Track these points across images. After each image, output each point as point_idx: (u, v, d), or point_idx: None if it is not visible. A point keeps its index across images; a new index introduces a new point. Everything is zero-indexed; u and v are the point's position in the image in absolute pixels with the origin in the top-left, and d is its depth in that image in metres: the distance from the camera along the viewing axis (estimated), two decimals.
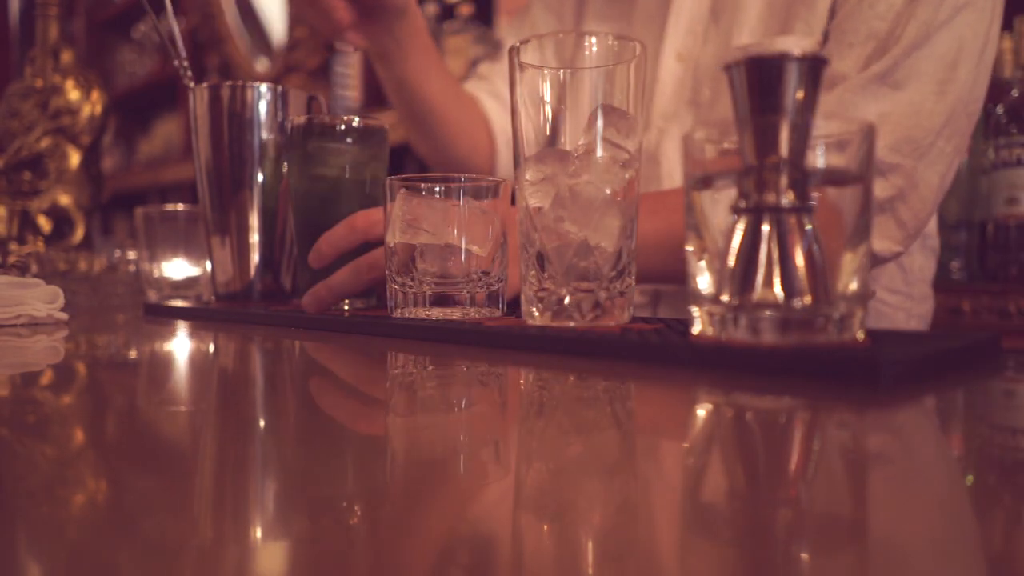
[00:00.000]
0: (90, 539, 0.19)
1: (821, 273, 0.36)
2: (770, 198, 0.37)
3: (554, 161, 0.49)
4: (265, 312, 0.71)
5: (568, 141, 0.49)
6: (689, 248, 0.40)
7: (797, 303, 0.36)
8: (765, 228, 0.37)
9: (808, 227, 0.36)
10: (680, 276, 0.70)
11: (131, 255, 1.08)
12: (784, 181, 0.36)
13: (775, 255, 0.36)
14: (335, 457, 0.27)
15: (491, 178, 0.58)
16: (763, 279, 0.36)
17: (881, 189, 0.67)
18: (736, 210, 0.38)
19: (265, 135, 0.80)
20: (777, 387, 0.35)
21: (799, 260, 0.36)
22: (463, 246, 0.56)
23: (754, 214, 0.37)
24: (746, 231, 0.37)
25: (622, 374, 0.40)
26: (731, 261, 0.37)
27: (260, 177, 0.80)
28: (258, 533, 0.20)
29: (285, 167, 0.78)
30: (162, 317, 0.83)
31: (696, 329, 0.40)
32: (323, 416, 0.34)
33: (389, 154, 0.73)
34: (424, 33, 0.89)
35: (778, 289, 0.36)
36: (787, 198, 0.36)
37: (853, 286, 0.37)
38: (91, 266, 1.04)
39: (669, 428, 0.31)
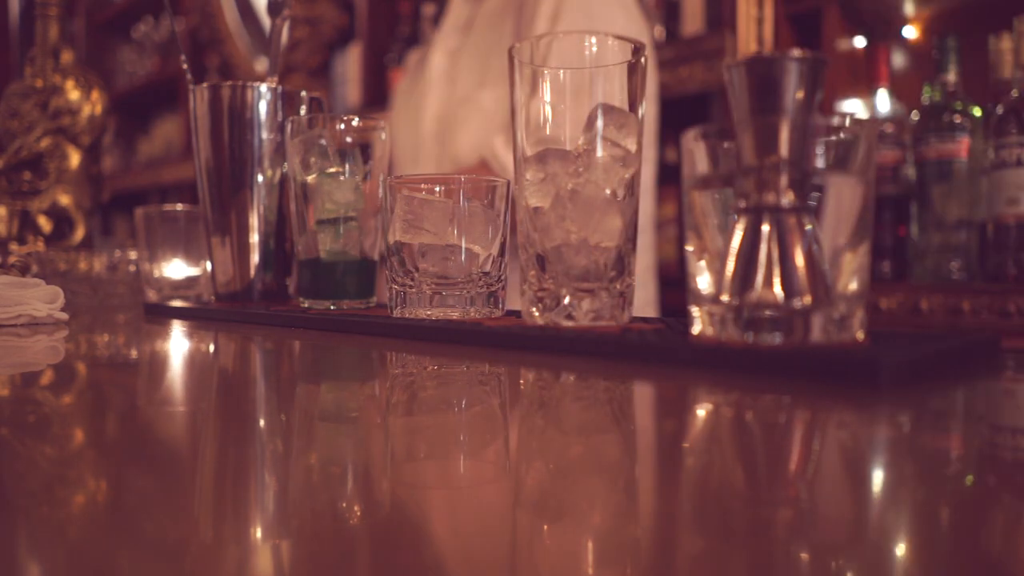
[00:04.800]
0: (90, 539, 0.19)
1: (821, 273, 0.36)
2: (770, 198, 0.37)
3: (554, 161, 0.49)
4: (265, 312, 0.71)
5: (568, 141, 0.49)
6: (689, 248, 0.40)
7: (797, 303, 0.36)
8: (765, 228, 0.37)
9: (808, 227, 0.36)
10: None
11: (131, 255, 1.08)
12: (784, 181, 0.36)
13: (775, 255, 0.36)
14: (335, 457, 0.27)
15: (491, 177, 0.58)
16: (763, 279, 0.37)
17: None
18: (736, 210, 0.38)
19: (265, 135, 0.80)
20: (777, 387, 0.35)
21: (799, 260, 0.36)
22: (464, 246, 0.56)
23: (754, 214, 0.37)
24: (746, 231, 0.37)
25: (622, 374, 0.40)
26: (731, 261, 0.37)
27: (260, 177, 0.80)
28: (258, 533, 0.20)
29: (286, 166, 0.78)
30: (162, 317, 0.83)
31: (696, 329, 0.40)
32: (323, 416, 0.34)
33: (389, 153, 0.73)
34: None
35: (778, 289, 0.36)
36: (787, 198, 0.36)
37: (853, 286, 0.37)
38: (91, 266, 1.04)
39: (669, 428, 0.31)
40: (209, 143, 0.80)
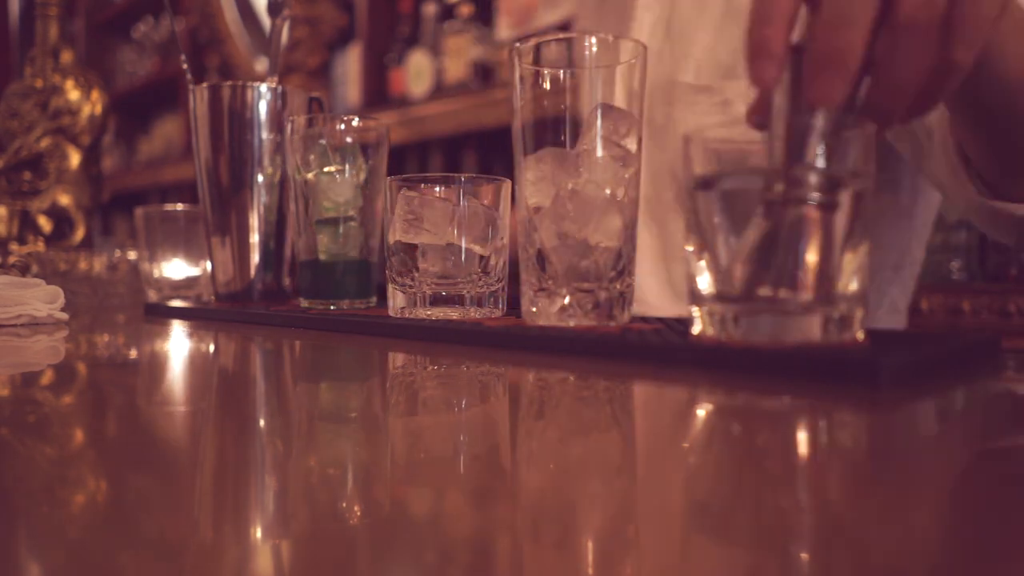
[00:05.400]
0: (90, 539, 0.19)
1: (822, 273, 0.36)
2: (770, 198, 0.36)
3: (554, 161, 0.49)
4: (265, 312, 0.71)
5: (568, 141, 0.49)
6: (689, 248, 0.40)
7: (798, 302, 0.36)
8: (765, 228, 0.37)
9: (808, 227, 0.36)
10: None
11: (131, 255, 1.08)
12: (784, 181, 0.36)
13: (775, 255, 0.36)
14: (335, 457, 0.27)
15: (492, 178, 0.58)
16: (764, 279, 0.36)
17: None
18: (736, 210, 0.38)
19: (265, 135, 0.80)
20: (777, 387, 0.35)
21: (799, 260, 0.36)
22: (464, 246, 0.56)
23: (755, 214, 0.37)
24: (746, 231, 0.37)
25: (622, 374, 0.40)
26: (732, 261, 0.37)
27: (260, 177, 0.80)
28: (258, 533, 0.20)
29: (285, 166, 0.78)
30: (162, 317, 0.83)
31: (696, 329, 0.40)
32: (323, 416, 0.34)
33: (389, 152, 0.73)
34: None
35: (779, 289, 0.36)
36: (787, 198, 0.36)
37: (853, 286, 0.37)
38: (91, 266, 1.04)
39: (669, 428, 0.31)
40: (209, 143, 0.80)
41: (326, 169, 0.68)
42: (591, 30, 0.92)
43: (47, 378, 0.45)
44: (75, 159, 1.07)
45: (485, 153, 1.98)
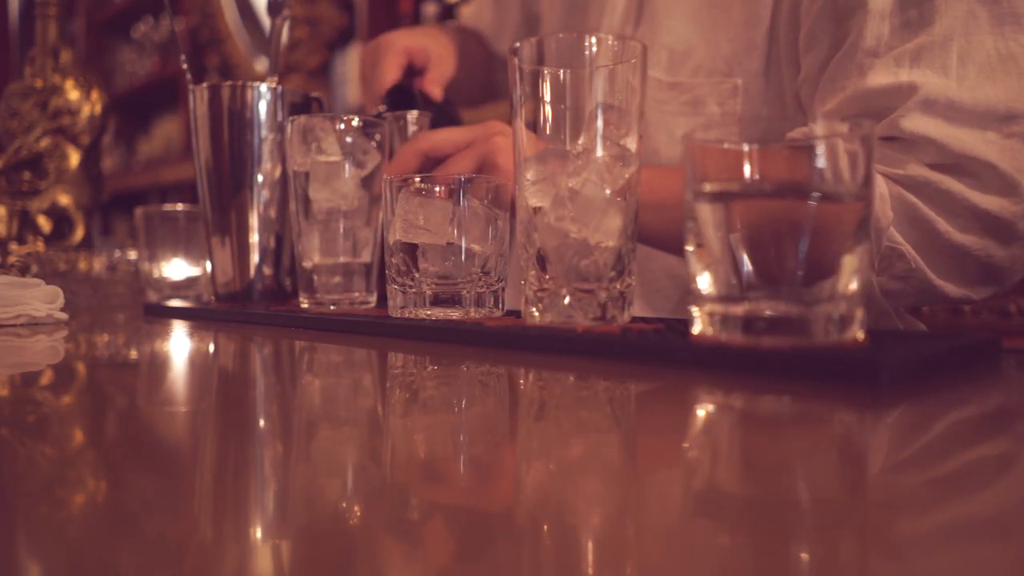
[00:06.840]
0: (90, 539, 0.19)
1: (822, 273, 0.36)
2: (772, 198, 0.37)
3: (554, 161, 0.49)
4: (265, 312, 0.71)
5: (568, 141, 0.49)
6: (689, 248, 0.40)
7: (798, 303, 0.36)
8: (767, 228, 0.37)
9: (808, 228, 0.36)
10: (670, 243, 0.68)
11: (131, 255, 1.08)
12: (784, 182, 0.36)
13: (774, 255, 0.36)
14: (335, 457, 0.27)
15: (492, 178, 0.58)
16: (763, 279, 0.36)
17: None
18: (736, 210, 0.38)
19: (265, 135, 0.80)
20: (777, 387, 0.35)
21: (800, 259, 0.36)
22: (464, 246, 0.56)
23: (755, 214, 0.37)
24: (746, 231, 0.37)
25: (622, 374, 0.40)
26: (731, 261, 0.37)
27: (260, 177, 0.80)
28: (258, 533, 0.20)
29: (286, 166, 0.78)
30: (162, 317, 0.83)
31: (696, 329, 0.40)
32: (323, 417, 0.34)
33: (389, 152, 0.73)
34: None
35: (779, 289, 0.36)
36: (789, 198, 0.36)
37: (853, 286, 0.37)
38: (91, 266, 1.04)
39: (669, 428, 0.31)
40: (209, 143, 0.80)
41: (323, 158, 0.68)
42: (562, 14, 0.89)
43: (47, 378, 0.45)
44: (75, 159, 1.07)
45: None
